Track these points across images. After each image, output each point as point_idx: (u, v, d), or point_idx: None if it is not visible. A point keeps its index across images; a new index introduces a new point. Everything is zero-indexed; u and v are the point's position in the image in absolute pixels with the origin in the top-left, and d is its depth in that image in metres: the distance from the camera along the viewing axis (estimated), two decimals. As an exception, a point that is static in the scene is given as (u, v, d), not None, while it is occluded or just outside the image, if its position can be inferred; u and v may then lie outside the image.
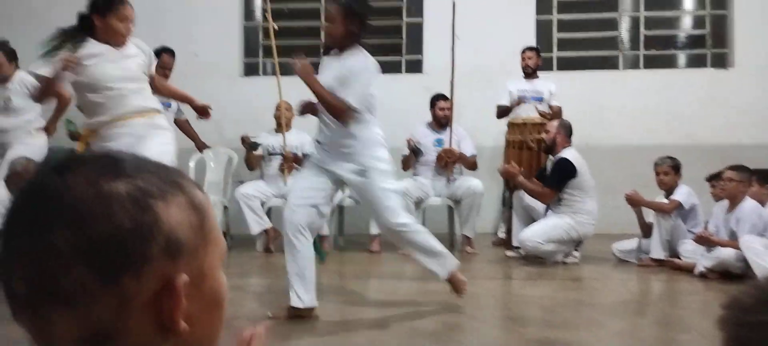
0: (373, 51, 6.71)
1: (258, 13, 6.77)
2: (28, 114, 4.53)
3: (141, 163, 0.59)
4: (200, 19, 6.51)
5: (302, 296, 2.96)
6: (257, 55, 6.72)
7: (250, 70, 6.70)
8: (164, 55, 5.16)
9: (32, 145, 4.43)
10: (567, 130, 4.62)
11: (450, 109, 5.28)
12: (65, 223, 0.53)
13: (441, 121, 5.31)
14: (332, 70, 3.02)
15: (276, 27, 5.30)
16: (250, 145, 5.31)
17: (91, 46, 3.03)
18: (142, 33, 6.84)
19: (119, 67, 3.08)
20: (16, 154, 4.19)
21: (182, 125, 5.44)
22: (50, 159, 0.60)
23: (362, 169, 3.01)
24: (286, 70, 6.41)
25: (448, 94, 5.27)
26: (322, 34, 6.58)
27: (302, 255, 2.99)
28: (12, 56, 4.60)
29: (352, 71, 2.95)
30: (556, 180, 4.46)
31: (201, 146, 5.63)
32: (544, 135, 4.66)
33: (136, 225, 0.54)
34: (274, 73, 5.63)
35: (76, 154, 0.62)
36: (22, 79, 4.46)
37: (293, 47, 6.60)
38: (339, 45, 3.05)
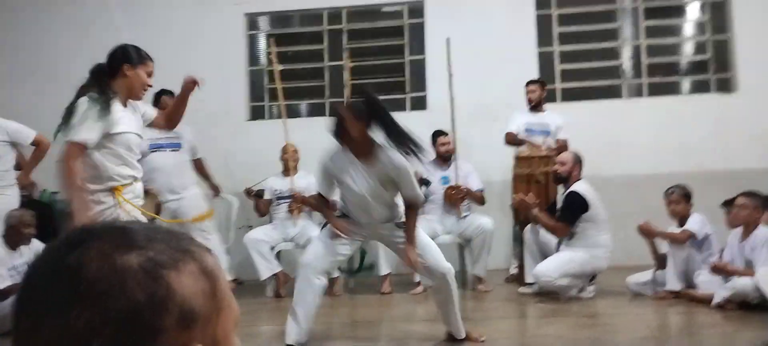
0: (377, 89, 6.81)
1: (262, 58, 6.84)
2: (5, 162, 4.32)
3: (151, 233, 0.59)
4: (206, 65, 6.56)
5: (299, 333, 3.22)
6: (263, 99, 6.77)
7: (256, 114, 6.75)
8: (164, 97, 5.01)
9: (10, 195, 4.28)
10: (581, 163, 4.61)
11: (451, 143, 5.27)
12: (82, 302, 0.53)
13: (443, 157, 5.30)
14: (371, 177, 3.18)
15: (280, 67, 5.36)
16: (256, 193, 5.31)
17: (116, 110, 2.92)
18: (157, 81, 6.95)
19: (138, 128, 3.08)
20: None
21: (199, 167, 5.31)
22: (63, 233, 0.60)
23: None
24: (292, 113, 6.49)
25: (449, 128, 5.26)
26: (327, 76, 6.69)
27: (316, 294, 3.24)
28: None
29: (400, 171, 3.19)
30: (569, 214, 4.42)
31: (215, 189, 5.46)
32: (558, 167, 4.62)
33: (150, 298, 0.54)
34: (279, 116, 5.68)
35: (87, 226, 0.60)
36: (1, 126, 4.30)
37: (298, 90, 6.70)
38: (361, 148, 3.20)
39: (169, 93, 5.12)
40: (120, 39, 6.98)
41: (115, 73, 2.96)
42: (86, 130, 2.79)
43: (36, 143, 4.41)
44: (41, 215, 4.53)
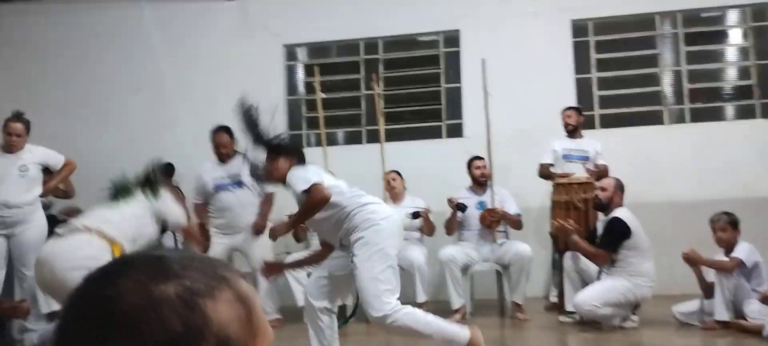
0: (413, 117, 6.86)
1: (301, 88, 6.98)
2: (38, 187, 4.46)
3: (186, 260, 0.59)
4: (246, 96, 6.74)
5: None
6: (301, 127, 6.88)
7: (295, 142, 6.85)
8: (220, 133, 5.04)
9: (40, 224, 4.41)
10: (622, 189, 4.52)
11: (486, 167, 5.25)
12: (120, 334, 0.53)
13: (479, 181, 5.28)
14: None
15: (323, 96, 5.45)
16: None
17: None
18: (196, 115, 7.15)
19: None
20: (30, 240, 4.22)
21: (266, 201, 5.09)
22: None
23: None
24: (329, 141, 6.58)
25: (485, 153, 5.24)
26: (363, 105, 6.77)
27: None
28: (28, 128, 4.55)
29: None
30: (610, 241, 4.32)
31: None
32: (599, 193, 4.54)
33: (187, 327, 0.54)
34: (318, 144, 5.76)
35: (124, 256, 0.61)
36: (34, 151, 4.47)
37: (335, 118, 6.80)
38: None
39: (226, 129, 5.09)
40: (165, 71, 7.29)
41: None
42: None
43: (65, 164, 4.58)
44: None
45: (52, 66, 7.10)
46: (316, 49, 7.05)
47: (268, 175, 3.22)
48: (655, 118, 6.37)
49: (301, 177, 2.99)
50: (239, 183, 4.99)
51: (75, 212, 6.01)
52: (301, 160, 3.19)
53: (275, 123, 6.53)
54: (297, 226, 3.89)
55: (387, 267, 2.93)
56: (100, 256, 2.81)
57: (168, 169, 6.31)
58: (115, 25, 7.04)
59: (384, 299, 2.88)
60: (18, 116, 4.53)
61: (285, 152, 3.16)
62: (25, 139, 4.49)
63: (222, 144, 4.99)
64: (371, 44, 6.86)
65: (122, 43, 7.01)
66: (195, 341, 0.54)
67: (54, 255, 2.98)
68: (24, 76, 7.12)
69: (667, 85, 6.45)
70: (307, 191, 2.94)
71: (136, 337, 0.53)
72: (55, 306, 3.95)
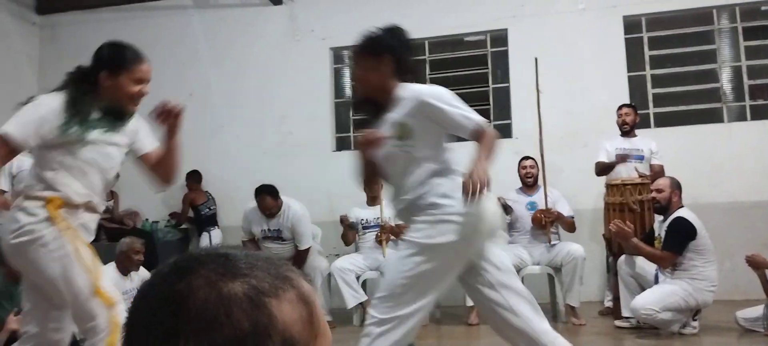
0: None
1: (348, 90, 7.01)
2: None
3: (252, 260, 0.60)
4: (294, 98, 6.83)
5: None
6: (348, 130, 6.92)
7: (342, 145, 6.90)
8: (262, 196, 5.11)
9: None
10: (680, 188, 4.35)
11: (535, 167, 5.16)
12: (191, 331, 0.53)
13: (526, 181, 5.18)
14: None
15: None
16: (349, 225, 5.39)
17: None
18: (245, 118, 7.32)
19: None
20: None
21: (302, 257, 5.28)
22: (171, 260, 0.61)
23: None
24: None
25: (536, 155, 5.14)
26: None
27: None
28: None
29: None
30: (676, 243, 4.15)
31: None
32: (656, 194, 4.39)
33: (254, 326, 0.54)
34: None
35: (193, 253, 0.61)
36: None
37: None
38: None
39: (269, 191, 5.09)
40: (214, 76, 7.43)
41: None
42: None
43: None
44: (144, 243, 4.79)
45: (108, 73, 7.32)
46: (362, 51, 7.05)
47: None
48: (713, 116, 6.13)
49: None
50: (282, 239, 5.19)
51: (133, 215, 6.21)
52: None
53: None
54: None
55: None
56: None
57: (195, 176, 6.50)
58: (167, 33, 7.23)
59: None
60: None
61: None
62: None
63: (266, 207, 5.12)
64: (417, 46, 6.83)
65: (174, 50, 7.18)
66: (262, 340, 0.54)
67: None
68: (82, 83, 7.37)
69: (725, 82, 6.20)
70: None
71: (206, 333, 0.53)
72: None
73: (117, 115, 2.48)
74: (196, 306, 0.54)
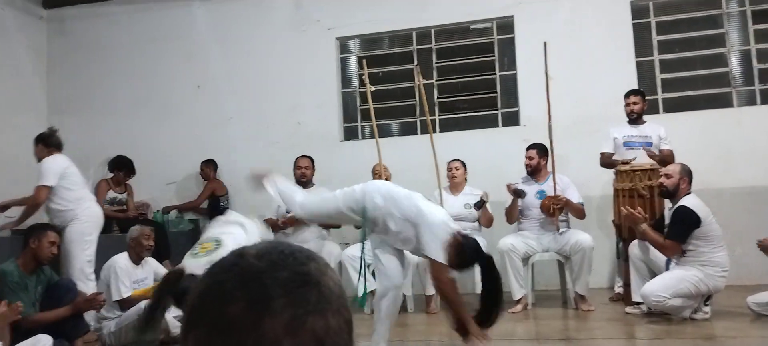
0: (468, 106, 6.78)
1: (354, 80, 7.01)
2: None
3: None
4: (302, 88, 6.84)
5: None
6: (356, 120, 6.92)
7: (350, 134, 6.90)
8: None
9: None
10: (690, 175, 4.33)
11: (534, 158, 5.12)
12: (332, 309, 0.60)
13: (527, 171, 5.17)
14: None
15: (373, 88, 5.46)
16: None
17: None
18: (254, 109, 7.34)
19: None
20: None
21: None
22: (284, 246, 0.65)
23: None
24: (383, 132, 6.59)
25: (546, 141, 5.10)
26: (417, 93, 6.73)
27: None
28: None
29: None
30: (680, 232, 4.14)
31: None
32: (664, 180, 4.36)
33: (350, 316, 0.62)
34: (372, 136, 5.78)
35: (281, 241, 0.68)
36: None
37: (389, 109, 6.80)
38: None
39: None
40: (222, 68, 7.43)
41: None
42: None
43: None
44: (155, 234, 4.82)
45: (117, 67, 7.35)
46: (369, 40, 7.05)
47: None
48: (723, 101, 6.09)
49: None
50: None
51: (145, 207, 6.25)
52: None
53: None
54: None
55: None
56: None
57: (212, 165, 6.55)
58: (174, 25, 7.24)
59: None
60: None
61: None
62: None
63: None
64: (424, 34, 6.82)
65: (181, 42, 7.20)
66: (352, 330, 0.62)
67: None
68: (92, 77, 7.41)
69: (735, 66, 6.16)
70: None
71: (340, 312, 0.60)
72: (125, 293, 4.11)
73: None
74: (330, 287, 0.60)
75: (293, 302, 0.57)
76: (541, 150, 5.14)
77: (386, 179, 5.39)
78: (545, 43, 5.01)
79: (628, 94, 5.32)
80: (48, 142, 4.73)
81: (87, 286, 4.32)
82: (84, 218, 4.57)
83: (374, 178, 5.40)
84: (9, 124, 6.78)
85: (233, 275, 0.60)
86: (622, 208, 4.44)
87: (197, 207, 6.60)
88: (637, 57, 6.19)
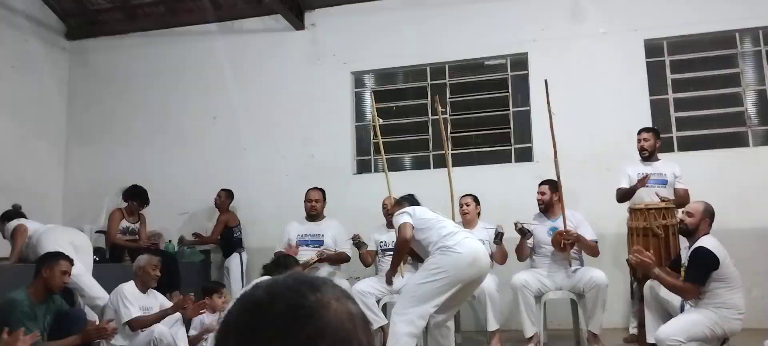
0: (482, 142, 6.78)
1: (368, 114, 7.06)
2: None
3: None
4: (316, 121, 6.91)
5: None
6: (369, 153, 6.95)
7: (363, 167, 6.93)
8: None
9: None
10: (712, 216, 4.24)
11: (546, 194, 5.08)
12: (330, 341, 0.59)
13: (539, 207, 5.14)
14: None
15: (381, 121, 5.50)
16: (357, 243, 5.40)
17: None
18: (268, 141, 7.44)
19: None
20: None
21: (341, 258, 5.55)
22: (300, 277, 0.65)
23: None
24: (397, 166, 6.61)
25: (554, 176, 5.07)
26: (430, 130, 6.77)
27: None
28: None
29: None
30: (700, 274, 4.04)
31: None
32: (685, 218, 4.28)
33: (369, 343, 0.62)
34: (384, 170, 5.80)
35: (301, 273, 0.69)
36: None
37: (403, 143, 6.83)
38: None
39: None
40: (238, 100, 7.53)
41: None
42: None
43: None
44: (166, 264, 4.84)
45: (134, 98, 7.50)
46: (384, 75, 7.13)
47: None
48: (738, 140, 6.04)
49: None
50: (319, 242, 5.47)
51: (157, 237, 6.30)
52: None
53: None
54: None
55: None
56: None
57: (229, 195, 6.59)
58: (192, 57, 7.39)
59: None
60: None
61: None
62: None
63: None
64: (438, 69, 6.88)
65: (199, 74, 7.33)
66: None
67: None
68: (110, 107, 7.56)
69: (750, 106, 6.12)
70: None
71: (341, 344, 0.59)
72: (134, 314, 4.12)
73: None
74: (333, 318, 0.59)
75: (281, 335, 0.57)
76: (553, 186, 5.11)
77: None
78: (546, 80, 5.02)
79: (640, 132, 5.30)
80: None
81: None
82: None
83: (383, 211, 5.41)
84: (30, 148, 6.92)
85: (237, 307, 0.62)
86: (631, 253, 4.36)
87: (214, 241, 6.60)
88: (651, 95, 6.18)
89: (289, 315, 0.58)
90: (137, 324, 4.09)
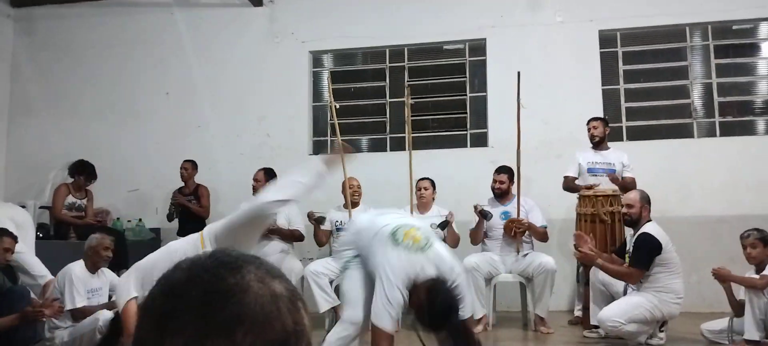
0: (438, 125, 6.82)
1: (326, 95, 7.00)
2: None
3: (272, 264, 0.62)
4: (272, 100, 6.81)
5: None
6: (325, 133, 6.91)
7: (319, 148, 6.88)
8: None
9: None
10: (649, 202, 4.41)
11: (505, 183, 5.18)
12: (249, 324, 0.54)
13: (496, 193, 5.23)
14: None
15: (337, 106, 5.47)
16: (316, 220, 5.38)
17: None
18: (223, 119, 7.26)
19: None
20: None
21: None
22: (216, 254, 0.60)
23: None
24: (355, 148, 6.57)
25: (513, 164, 5.17)
26: (388, 112, 6.76)
27: None
28: None
29: None
30: (644, 258, 4.21)
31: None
32: (626, 210, 4.44)
33: (295, 326, 0.57)
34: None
35: (225, 250, 0.62)
36: None
37: (360, 125, 6.81)
38: None
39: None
40: (193, 75, 7.37)
41: None
42: None
43: None
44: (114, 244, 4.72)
45: (84, 70, 7.23)
46: (342, 56, 7.07)
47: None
48: (684, 132, 6.26)
49: None
50: None
51: (104, 214, 6.12)
52: None
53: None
54: None
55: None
56: None
57: (194, 166, 6.37)
58: (146, 30, 7.16)
59: None
60: None
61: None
62: None
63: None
64: (397, 52, 6.87)
65: (152, 48, 7.12)
66: (299, 340, 0.57)
67: None
68: (58, 79, 7.27)
69: (696, 98, 6.34)
70: None
71: (262, 327, 0.55)
72: (79, 303, 4.00)
73: None
74: (252, 301, 0.55)
75: (195, 322, 0.54)
76: (511, 176, 5.21)
77: (358, 196, 5.41)
78: (519, 72, 5.08)
79: (590, 120, 5.44)
80: None
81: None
82: None
83: (343, 193, 5.39)
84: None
85: (156, 290, 0.59)
86: (575, 240, 4.48)
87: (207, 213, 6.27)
88: (603, 85, 6.33)
89: (205, 300, 0.55)
90: (80, 314, 3.97)
